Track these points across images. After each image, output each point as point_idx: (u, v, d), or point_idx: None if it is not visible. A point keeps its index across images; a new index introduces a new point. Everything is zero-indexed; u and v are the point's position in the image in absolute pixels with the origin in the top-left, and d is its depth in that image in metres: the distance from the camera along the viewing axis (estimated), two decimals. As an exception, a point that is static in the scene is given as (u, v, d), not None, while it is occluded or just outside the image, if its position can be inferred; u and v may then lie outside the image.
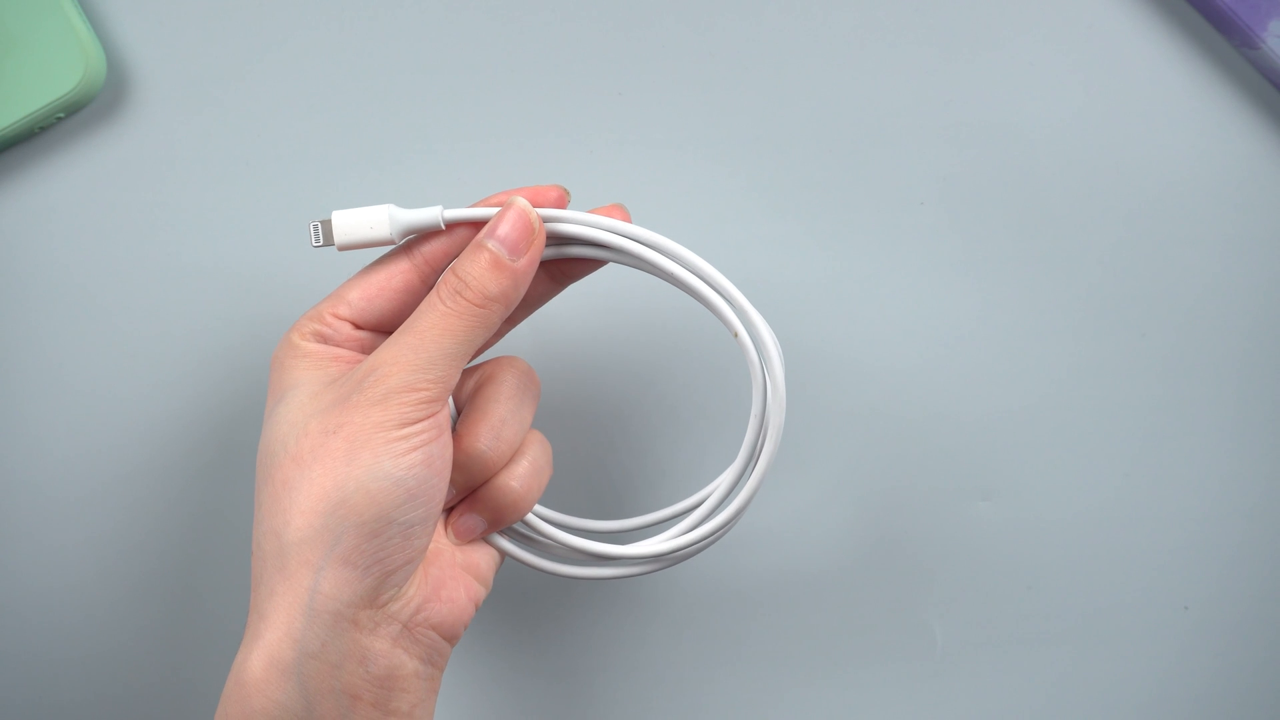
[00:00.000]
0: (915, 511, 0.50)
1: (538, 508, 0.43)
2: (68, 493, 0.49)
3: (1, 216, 0.49)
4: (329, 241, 0.40)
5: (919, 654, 0.51)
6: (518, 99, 0.49)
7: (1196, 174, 0.49)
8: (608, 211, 0.41)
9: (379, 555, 0.37)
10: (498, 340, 0.43)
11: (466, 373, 0.42)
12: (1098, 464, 0.50)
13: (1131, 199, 0.50)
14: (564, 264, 0.42)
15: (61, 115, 0.48)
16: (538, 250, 0.39)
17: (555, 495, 0.48)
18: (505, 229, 0.39)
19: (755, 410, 0.41)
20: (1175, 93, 0.49)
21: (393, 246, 0.41)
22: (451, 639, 0.40)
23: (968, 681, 0.51)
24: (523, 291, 0.39)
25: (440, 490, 0.38)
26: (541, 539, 0.43)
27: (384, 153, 0.49)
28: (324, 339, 0.40)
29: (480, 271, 0.38)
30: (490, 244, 0.39)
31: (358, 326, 0.40)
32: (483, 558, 0.41)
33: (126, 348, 0.49)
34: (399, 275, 0.40)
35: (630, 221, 0.40)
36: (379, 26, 0.49)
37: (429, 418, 0.37)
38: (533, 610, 0.51)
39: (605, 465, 0.50)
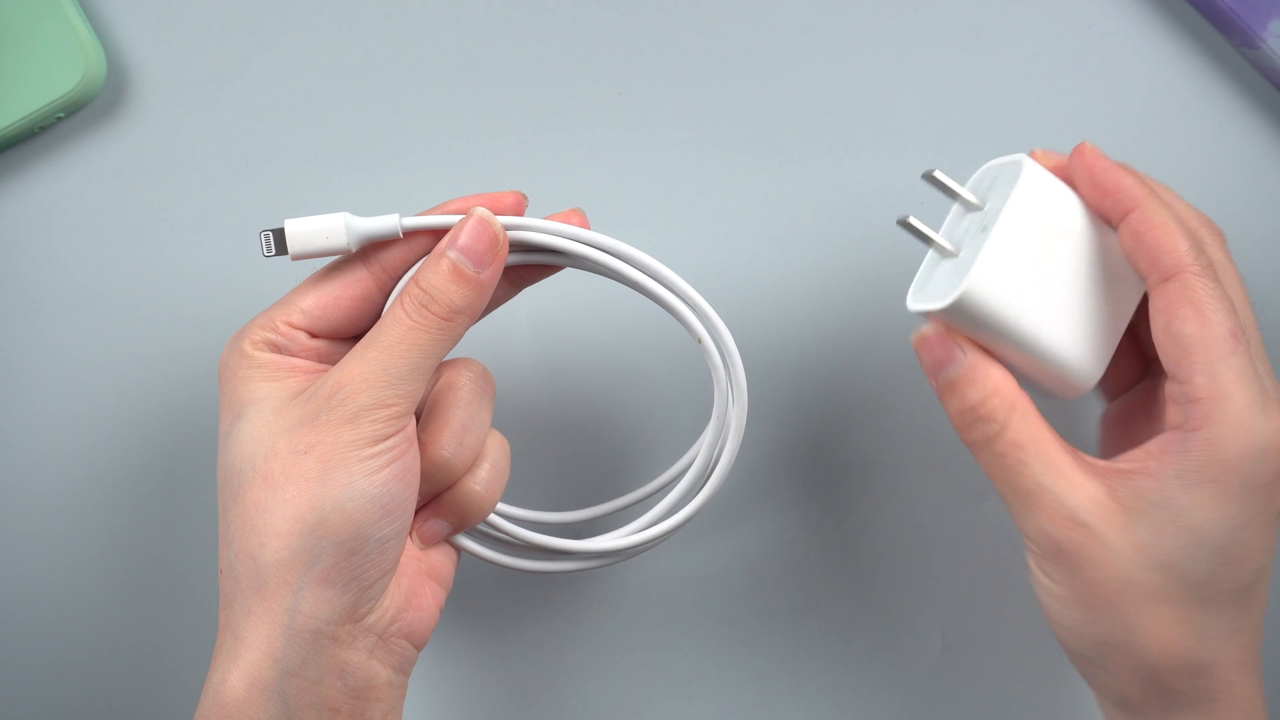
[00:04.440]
0: (915, 511, 0.50)
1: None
2: (66, 492, 0.50)
3: (1, 216, 0.49)
4: (282, 251, 0.39)
5: (919, 654, 0.51)
6: (518, 99, 0.49)
7: (1196, 174, 0.49)
8: (566, 216, 0.41)
9: (357, 572, 0.37)
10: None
11: None
12: (1097, 464, 0.50)
13: (1131, 199, 0.49)
14: (522, 268, 0.42)
15: (61, 115, 0.48)
16: (501, 261, 0.39)
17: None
18: (467, 240, 0.39)
19: (716, 413, 0.41)
20: (1175, 93, 0.49)
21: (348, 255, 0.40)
22: (420, 645, 0.40)
23: (968, 681, 0.51)
24: (486, 301, 0.39)
25: (412, 501, 0.39)
26: (502, 537, 0.43)
27: (384, 152, 0.49)
28: (278, 349, 0.40)
29: (445, 284, 0.38)
30: (453, 255, 0.38)
31: (313, 335, 0.40)
32: (443, 560, 0.41)
33: (126, 347, 0.49)
34: (356, 284, 0.40)
35: (588, 226, 0.40)
36: (379, 26, 0.49)
37: (399, 432, 0.38)
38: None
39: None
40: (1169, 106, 0.49)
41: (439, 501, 0.41)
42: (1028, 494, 0.39)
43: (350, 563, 0.37)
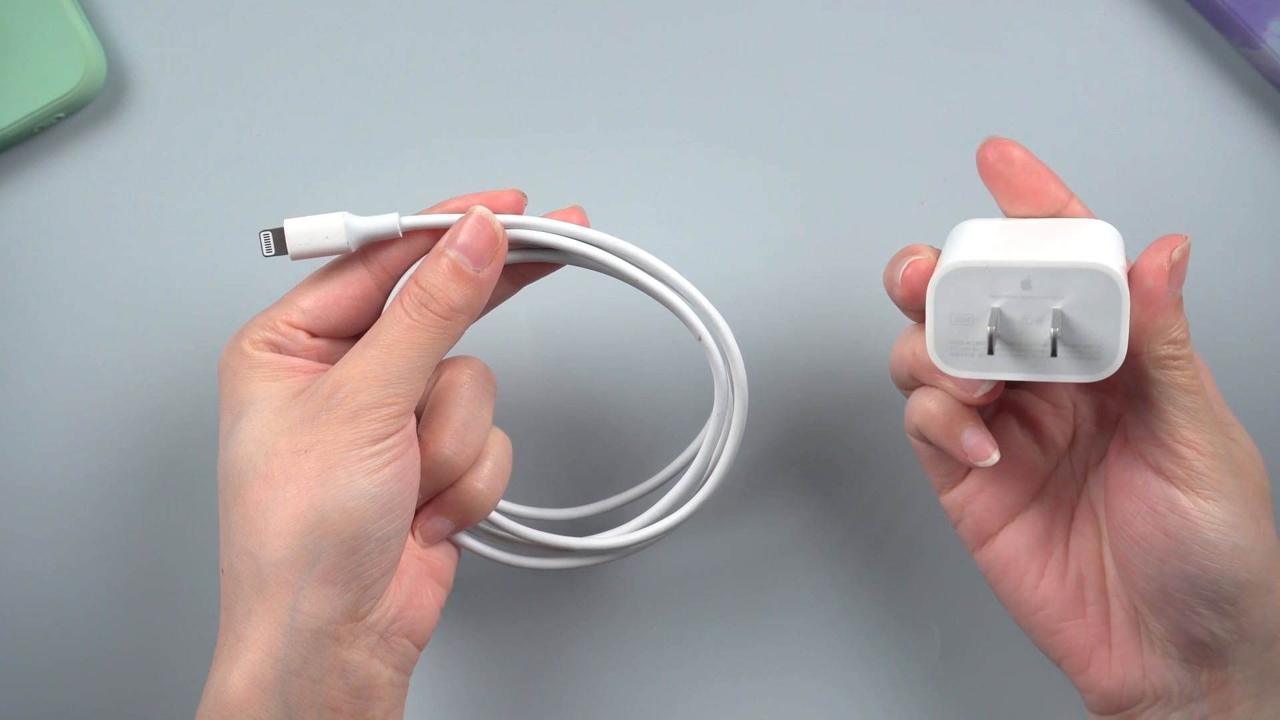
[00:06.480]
0: (915, 508, 0.50)
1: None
2: (67, 491, 0.49)
3: (1, 216, 0.49)
4: (281, 251, 0.39)
5: (919, 654, 0.51)
6: (518, 99, 0.49)
7: (1197, 174, 0.49)
8: (565, 214, 0.41)
9: (358, 571, 0.37)
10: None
11: None
12: (1098, 464, 0.50)
13: (1131, 199, 0.49)
14: (522, 266, 0.42)
15: (61, 115, 0.48)
16: (501, 259, 0.39)
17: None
18: (467, 238, 0.39)
19: (717, 410, 0.42)
20: (1175, 93, 0.49)
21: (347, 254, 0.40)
22: (421, 644, 0.40)
23: (968, 681, 0.51)
24: (486, 299, 0.39)
25: (412, 500, 0.39)
26: (503, 534, 0.43)
27: (384, 152, 0.49)
28: (278, 348, 0.40)
29: (444, 282, 0.38)
30: (452, 253, 0.39)
31: (313, 334, 0.40)
32: (444, 559, 0.42)
33: (126, 347, 0.49)
34: (356, 283, 0.40)
35: (588, 224, 0.40)
36: (378, 26, 0.49)
37: (399, 431, 0.38)
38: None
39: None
40: (1169, 106, 0.49)
41: (441, 499, 0.41)
42: (1218, 412, 0.38)
43: (351, 562, 0.37)
